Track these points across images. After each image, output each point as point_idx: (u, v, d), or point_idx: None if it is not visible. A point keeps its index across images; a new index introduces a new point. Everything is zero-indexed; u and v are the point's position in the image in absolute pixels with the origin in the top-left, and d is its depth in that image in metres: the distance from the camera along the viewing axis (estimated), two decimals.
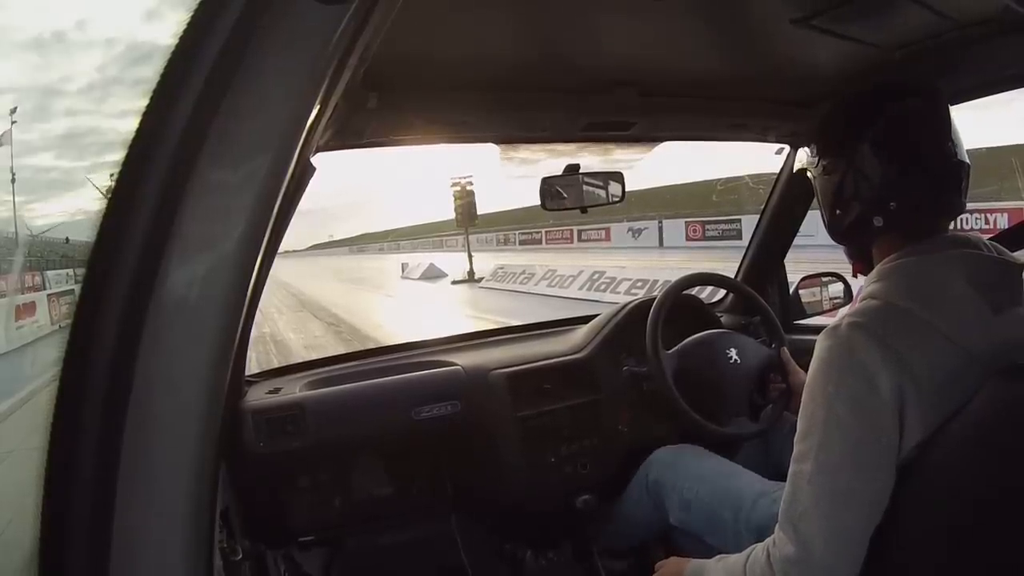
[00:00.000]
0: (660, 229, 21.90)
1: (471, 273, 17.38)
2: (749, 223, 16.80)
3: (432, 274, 19.99)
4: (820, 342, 0.80)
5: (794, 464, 0.80)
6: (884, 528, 0.76)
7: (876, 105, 0.85)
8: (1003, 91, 1.22)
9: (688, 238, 19.99)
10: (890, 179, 0.82)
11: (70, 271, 20.68)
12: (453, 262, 21.35)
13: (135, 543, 0.41)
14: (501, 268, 16.23)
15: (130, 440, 0.40)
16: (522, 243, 31.67)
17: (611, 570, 1.49)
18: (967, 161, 0.83)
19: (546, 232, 29.82)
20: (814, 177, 0.93)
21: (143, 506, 0.41)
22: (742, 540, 1.02)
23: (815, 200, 0.96)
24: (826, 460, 0.76)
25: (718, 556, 0.93)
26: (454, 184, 17.60)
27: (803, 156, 1.60)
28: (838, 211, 0.89)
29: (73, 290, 15.00)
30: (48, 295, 14.75)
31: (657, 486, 1.30)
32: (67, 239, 24.17)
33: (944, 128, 0.83)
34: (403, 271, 22.18)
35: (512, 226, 33.34)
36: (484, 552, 1.59)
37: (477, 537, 1.60)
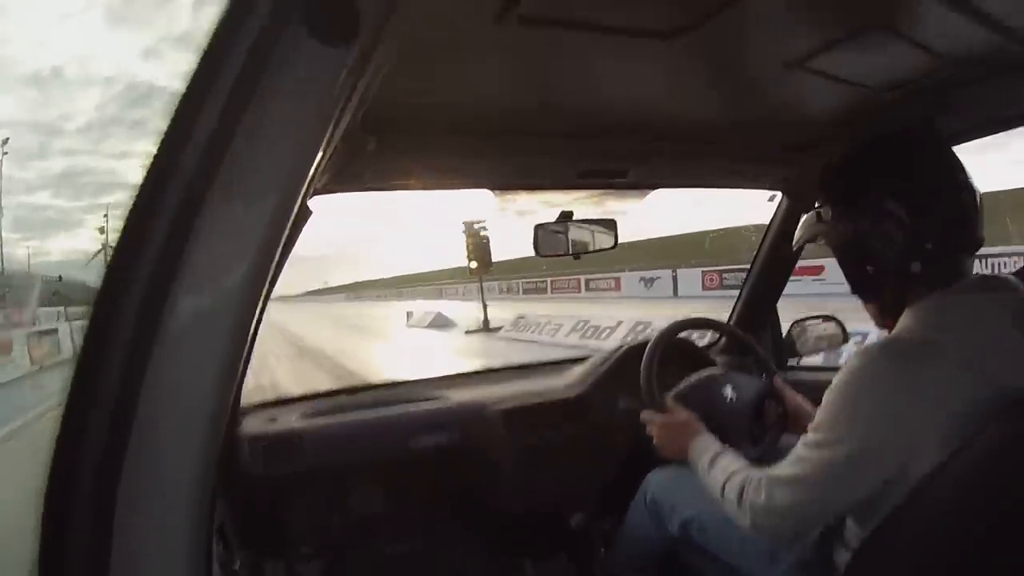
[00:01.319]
0: (675, 278, 21.82)
1: (486, 322, 16.61)
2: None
3: (441, 323, 19.37)
4: (851, 360, 0.84)
5: (799, 444, 0.88)
6: (885, 543, 0.82)
7: (888, 150, 0.88)
8: (997, 132, 1.25)
9: (704, 287, 19.79)
10: (921, 221, 0.84)
11: (60, 309, 20.46)
12: (458, 311, 20.54)
13: (134, 559, 0.43)
14: (522, 318, 15.23)
15: (131, 461, 0.42)
16: (526, 292, 31.47)
17: None
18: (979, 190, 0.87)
19: (552, 281, 29.71)
20: (828, 235, 0.94)
21: (142, 525, 0.43)
22: (748, 556, 1.10)
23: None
24: (826, 454, 0.83)
25: (723, 451, 1.07)
26: (468, 229, 16.57)
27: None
28: (869, 267, 0.90)
29: (57, 329, 14.68)
30: (29, 334, 13.62)
31: (656, 505, 1.34)
32: (60, 277, 24.23)
33: (956, 160, 0.87)
34: (408, 319, 21.57)
35: (514, 275, 33.08)
36: (484, 563, 1.64)
37: (477, 548, 1.63)
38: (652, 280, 23.20)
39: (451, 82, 1.00)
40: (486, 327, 16.35)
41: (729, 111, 1.28)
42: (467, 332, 16.35)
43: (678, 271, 21.92)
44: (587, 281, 27.13)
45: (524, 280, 32.35)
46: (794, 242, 1.03)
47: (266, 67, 0.42)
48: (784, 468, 0.89)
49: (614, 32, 0.87)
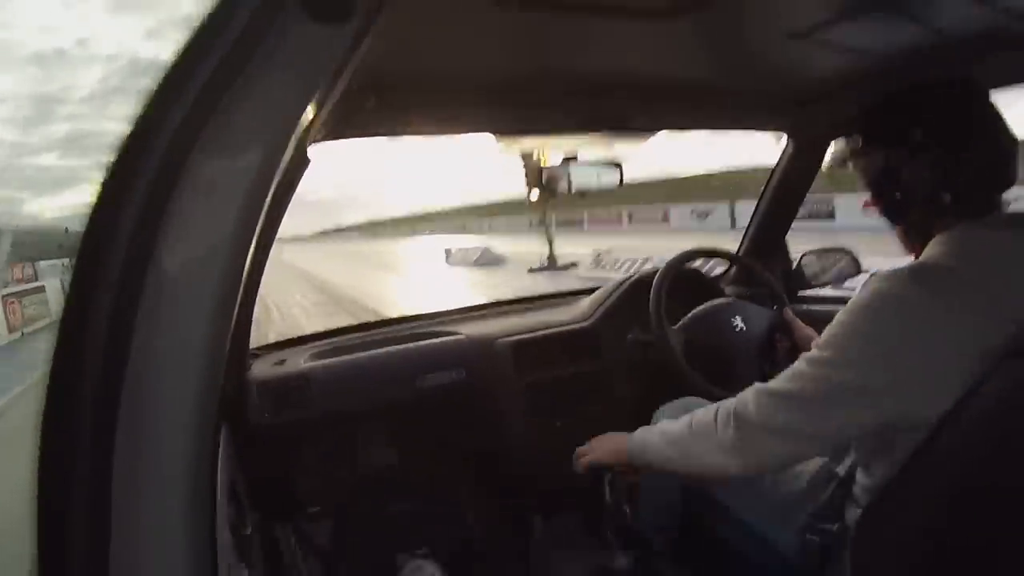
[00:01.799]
0: (732, 210, 21.08)
1: (552, 259, 14.81)
2: (842, 202, 15.75)
3: (489, 260, 17.87)
4: (873, 282, 0.82)
5: (800, 360, 0.86)
6: (896, 498, 0.81)
7: (928, 94, 0.89)
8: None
9: None
10: (956, 158, 0.85)
11: (63, 261, 19.27)
12: (504, 247, 18.93)
13: (134, 521, 0.43)
14: (607, 252, 13.14)
15: (126, 414, 0.42)
16: (559, 226, 29.17)
17: None
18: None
19: (588, 213, 28.52)
20: (858, 162, 0.95)
21: (141, 483, 0.43)
22: (762, 512, 1.07)
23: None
24: (833, 375, 0.80)
25: (658, 425, 1.02)
26: (526, 160, 15.30)
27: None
28: (898, 194, 0.90)
29: (44, 286, 13.28)
30: (3, 296, 11.40)
31: None
32: (67, 230, 22.96)
33: (995, 108, 0.87)
34: (448, 257, 19.96)
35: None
36: (492, 520, 1.66)
37: (485, 505, 1.67)
38: (706, 213, 22.62)
39: (451, 45, 1.00)
40: (553, 264, 14.75)
41: (735, 77, 1.28)
42: (530, 271, 14.50)
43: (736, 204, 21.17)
44: (630, 214, 26.43)
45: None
46: (823, 166, 1.03)
47: (258, 43, 0.43)
48: (779, 382, 0.86)
49: (615, 12, 0.89)
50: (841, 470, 1.01)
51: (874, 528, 0.85)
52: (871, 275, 0.84)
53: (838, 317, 0.84)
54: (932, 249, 0.85)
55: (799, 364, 0.85)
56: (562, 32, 0.96)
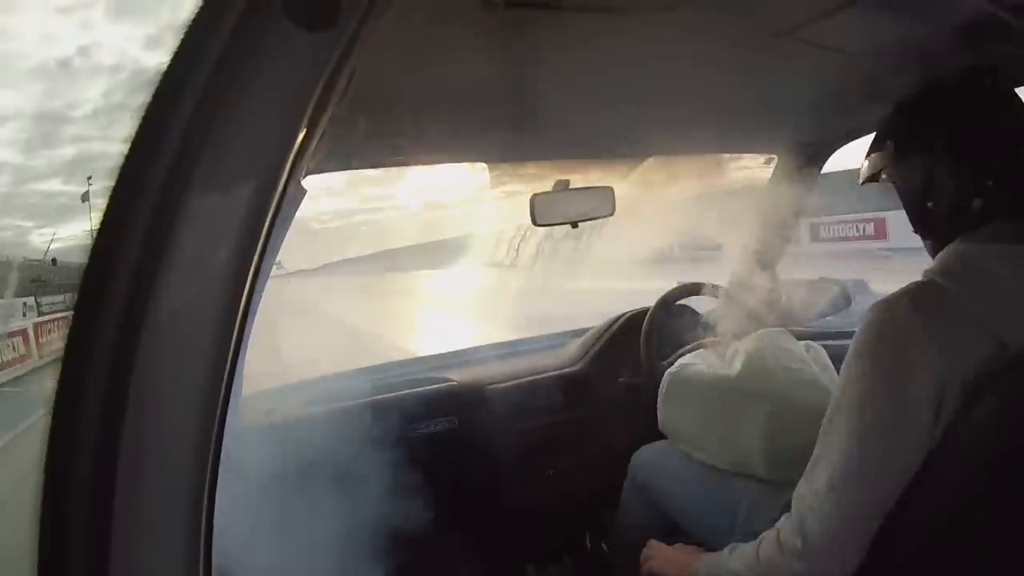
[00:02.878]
0: None
1: None
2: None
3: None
4: (867, 315, 0.83)
5: (820, 441, 0.83)
6: (894, 514, 0.80)
7: (952, 92, 0.89)
8: None
9: None
10: (982, 161, 0.85)
11: (26, 300, 18.00)
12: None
13: (132, 558, 0.43)
14: None
15: (125, 455, 0.42)
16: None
17: None
18: None
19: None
20: (891, 172, 0.94)
21: (138, 522, 0.44)
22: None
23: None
24: (853, 440, 0.79)
25: (730, 546, 0.95)
26: None
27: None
28: (929, 203, 0.89)
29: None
30: None
31: (646, 490, 1.34)
32: (54, 261, 22.30)
33: (1021, 104, 0.88)
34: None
35: None
36: (484, 569, 1.63)
37: (476, 554, 1.62)
38: None
39: (441, 64, 1.00)
40: None
41: (722, 80, 1.27)
42: None
43: None
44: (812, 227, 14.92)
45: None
46: (860, 179, 1.02)
47: (246, 53, 0.43)
48: (807, 483, 0.83)
49: (600, 10, 0.89)
50: None
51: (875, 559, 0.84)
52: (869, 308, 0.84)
53: (842, 372, 0.83)
54: (935, 264, 0.86)
55: (816, 450, 0.84)
56: (552, 42, 0.96)
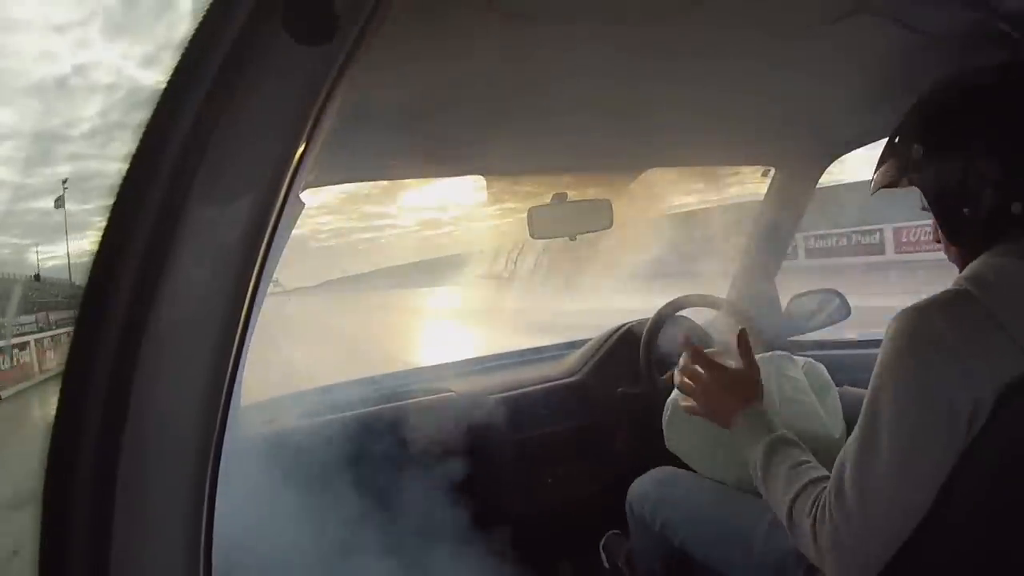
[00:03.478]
0: None
1: None
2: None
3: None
4: (896, 324, 0.79)
5: (850, 453, 0.80)
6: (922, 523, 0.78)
7: (984, 89, 0.84)
8: None
9: None
10: (1020, 159, 0.80)
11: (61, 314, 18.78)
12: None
13: (133, 566, 0.44)
14: None
15: (126, 465, 0.42)
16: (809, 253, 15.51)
17: None
18: None
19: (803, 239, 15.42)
20: (919, 177, 0.87)
21: (139, 533, 0.44)
22: (757, 572, 1.03)
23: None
24: (884, 450, 0.77)
25: (783, 434, 0.95)
26: None
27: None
28: (966, 209, 0.83)
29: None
30: None
31: (644, 523, 1.28)
32: (36, 277, 22.55)
33: None
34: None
35: None
36: None
37: (475, 563, 1.60)
38: None
39: (438, 75, 1.00)
40: None
41: (720, 93, 1.27)
42: None
43: None
44: (896, 232, 14.07)
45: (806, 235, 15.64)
46: (872, 187, 0.96)
47: (245, 67, 0.43)
48: (836, 488, 0.80)
49: (599, 20, 0.88)
50: None
51: None
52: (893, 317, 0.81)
53: (871, 385, 0.80)
54: (967, 272, 0.82)
55: (838, 469, 0.81)
56: (545, 48, 0.95)
